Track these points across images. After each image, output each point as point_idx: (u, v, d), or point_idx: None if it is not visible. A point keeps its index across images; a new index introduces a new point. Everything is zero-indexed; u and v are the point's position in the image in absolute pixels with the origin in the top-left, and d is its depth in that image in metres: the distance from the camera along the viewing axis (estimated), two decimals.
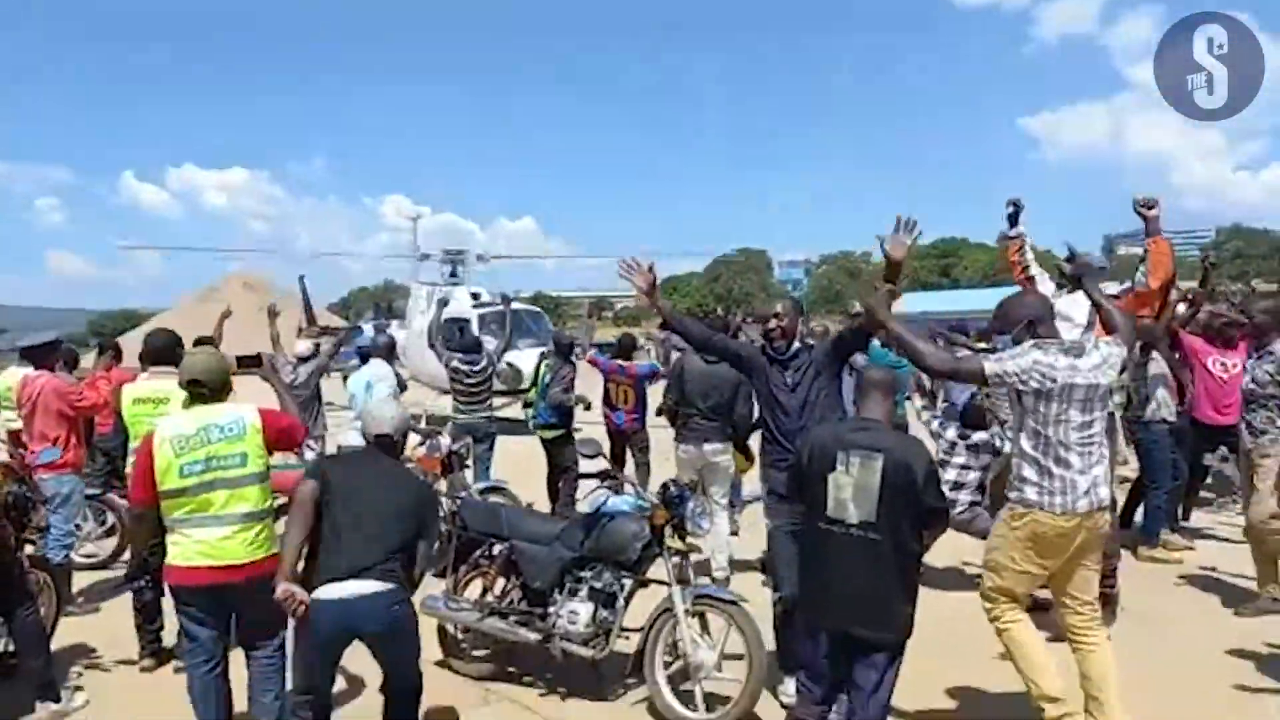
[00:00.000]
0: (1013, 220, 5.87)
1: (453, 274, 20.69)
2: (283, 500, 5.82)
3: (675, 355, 8.27)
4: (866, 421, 3.55)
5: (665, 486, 4.45)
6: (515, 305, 16.12)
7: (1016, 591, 3.77)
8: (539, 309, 21.13)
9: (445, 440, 7.13)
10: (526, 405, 9.99)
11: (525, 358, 14.22)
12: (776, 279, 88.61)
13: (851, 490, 3.35)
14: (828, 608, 3.45)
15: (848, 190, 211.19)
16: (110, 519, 6.83)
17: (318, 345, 8.44)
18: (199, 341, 6.99)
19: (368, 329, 19.51)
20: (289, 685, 3.72)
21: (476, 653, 4.83)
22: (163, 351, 5.10)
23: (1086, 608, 3.77)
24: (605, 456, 5.15)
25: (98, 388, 5.74)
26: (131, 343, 7.10)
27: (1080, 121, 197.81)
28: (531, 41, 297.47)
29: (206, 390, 3.83)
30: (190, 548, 3.67)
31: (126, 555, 6.98)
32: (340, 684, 4.36)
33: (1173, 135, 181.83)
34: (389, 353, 8.51)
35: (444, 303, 17.84)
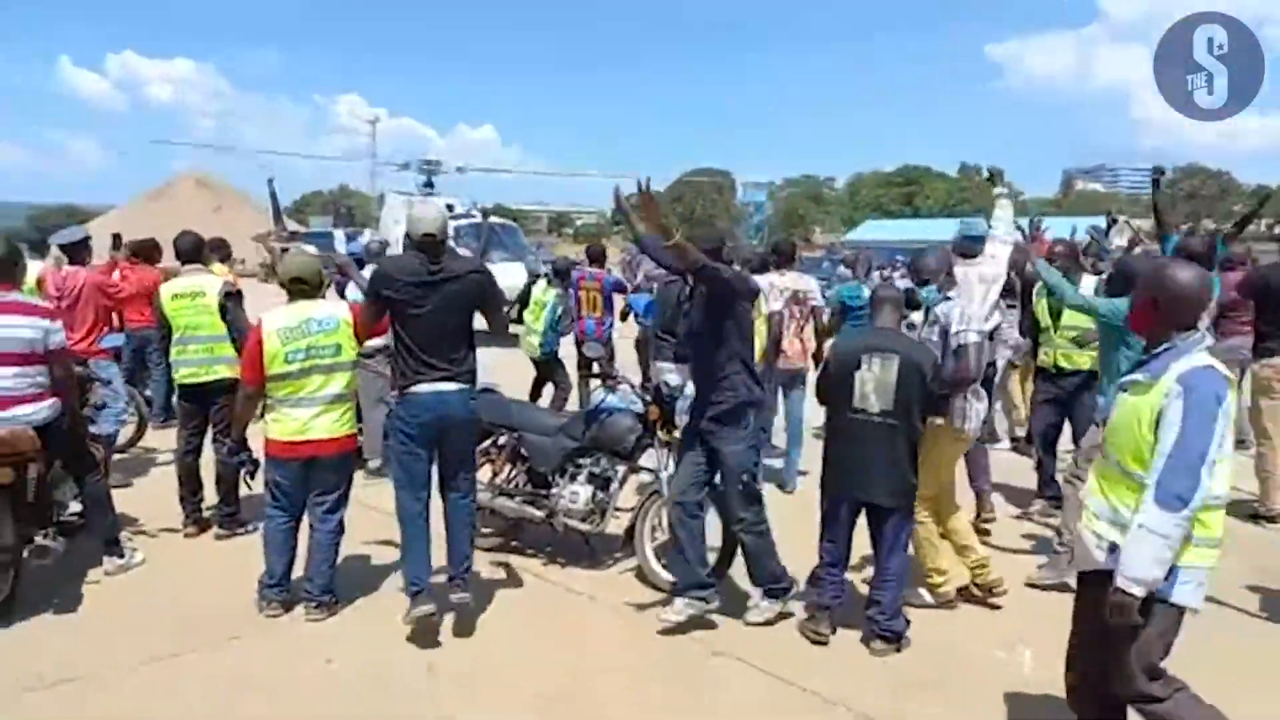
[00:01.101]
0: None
1: (428, 184, 20.81)
2: None
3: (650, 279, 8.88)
4: (883, 330, 4.33)
5: (658, 387, 5.11)
6: (479, 219, 16.51)
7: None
8: (514, 223, 21.47)
9: None
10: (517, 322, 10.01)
11: (500, 271, 14.66)
12: (739, 200, 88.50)
13: (874, 385, 4.13)
14: (855, 482, 4.23)
15: (811, 114, 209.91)
16: (131, 407, 7.36)
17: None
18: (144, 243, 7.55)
19: (348, 238, 19.72)
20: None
21: (485, 530, 5.51)
22: (192, 252, 5.72)
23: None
24: (605, 361, 5.86)
25: (129, 279, 6.27)
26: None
27: (1047, 51, 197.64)
28: None
29: (308, 287, 4.51)
30: (289, 425, 4.41)
31: (143, 440, 7.60)
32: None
33: (1135, 69, 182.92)
34: (381, 258, 8.96)
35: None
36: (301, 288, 4.50)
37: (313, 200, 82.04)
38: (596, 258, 9.05)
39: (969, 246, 5.62)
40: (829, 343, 6.23)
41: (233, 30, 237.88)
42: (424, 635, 4.20)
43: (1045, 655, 4.06)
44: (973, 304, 4.80)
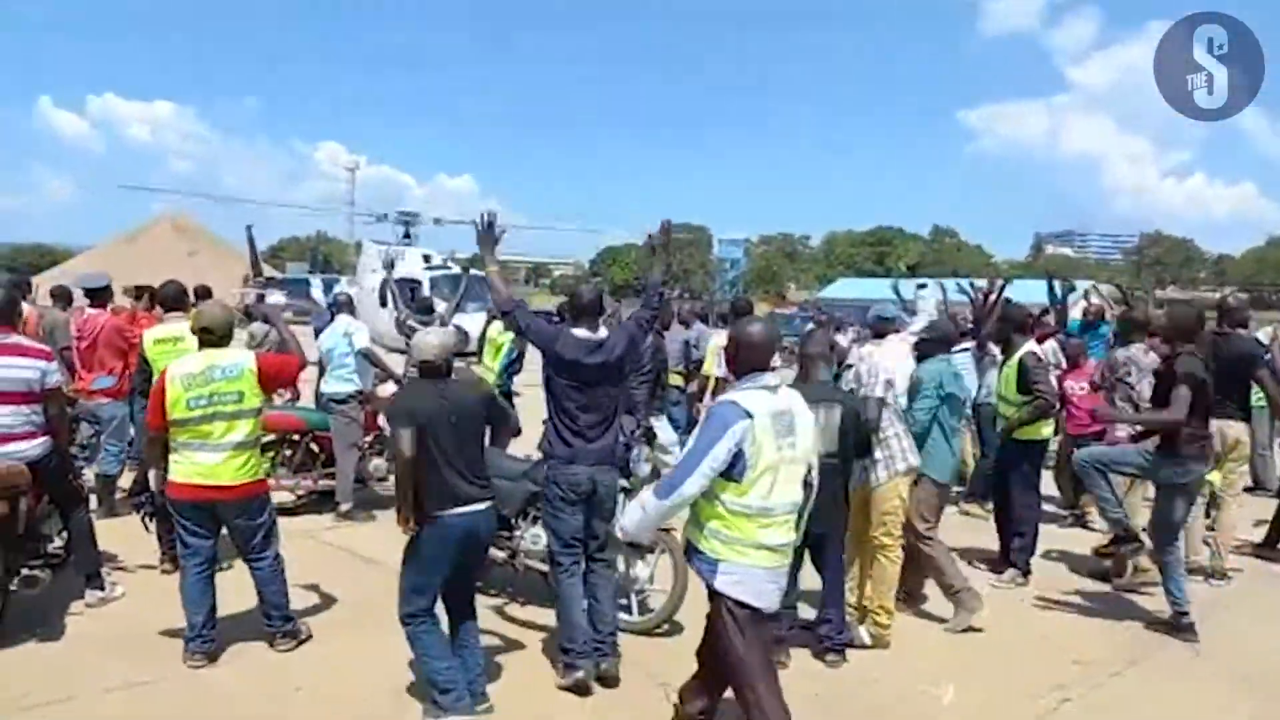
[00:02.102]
0: None
1: (406, 235, 21.28)
2: (270, 437, 6.74)
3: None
4: (824, 384, 4.89)
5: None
6: (457, 270, 16.97)
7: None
8: (467, 268, 21.90)
9: None
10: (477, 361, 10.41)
11: (472, 321, 15.07)
12: (716, 255, 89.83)
13: (821, 431, 4.48)
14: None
15: (788, 174, 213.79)
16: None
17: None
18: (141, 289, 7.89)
19: (326, 286, 20.01)
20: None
21: None
22: (176, 299, 6.08)
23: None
24: None
25: (145, 326, 6.69)
26: (51, 281, 7.83)
27: (1018, 118, 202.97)
28: (470, 6, 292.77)
29: (214, 336, 4.64)
30: (189, 468, 4.48)
31: (121, 480, 7.82)
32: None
33: (1105, 138, 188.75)
34: (350, 309, 9.33)
35: (391, 264, 18.58)
36: (208, 337, 4.60)
37: (289, 246, 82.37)
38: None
39: (881, 326, 6.12)
40: None
41: (214, 75, 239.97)
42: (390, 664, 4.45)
43: (971, 689, 4.47)
44: (876, 378, 5.23)
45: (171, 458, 4.53)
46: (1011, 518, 6.41)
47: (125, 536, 6.22)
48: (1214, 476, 6.15)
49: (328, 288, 21.42)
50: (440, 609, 4.18)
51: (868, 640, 5.03)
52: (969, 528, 7.31)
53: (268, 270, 31.45)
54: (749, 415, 3.31)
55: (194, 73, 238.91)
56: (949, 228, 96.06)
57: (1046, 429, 6.65)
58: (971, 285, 8.50)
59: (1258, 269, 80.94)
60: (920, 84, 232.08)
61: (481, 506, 4.10)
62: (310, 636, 4.81)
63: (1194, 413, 5.22)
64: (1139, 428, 5.83)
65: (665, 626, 5.09)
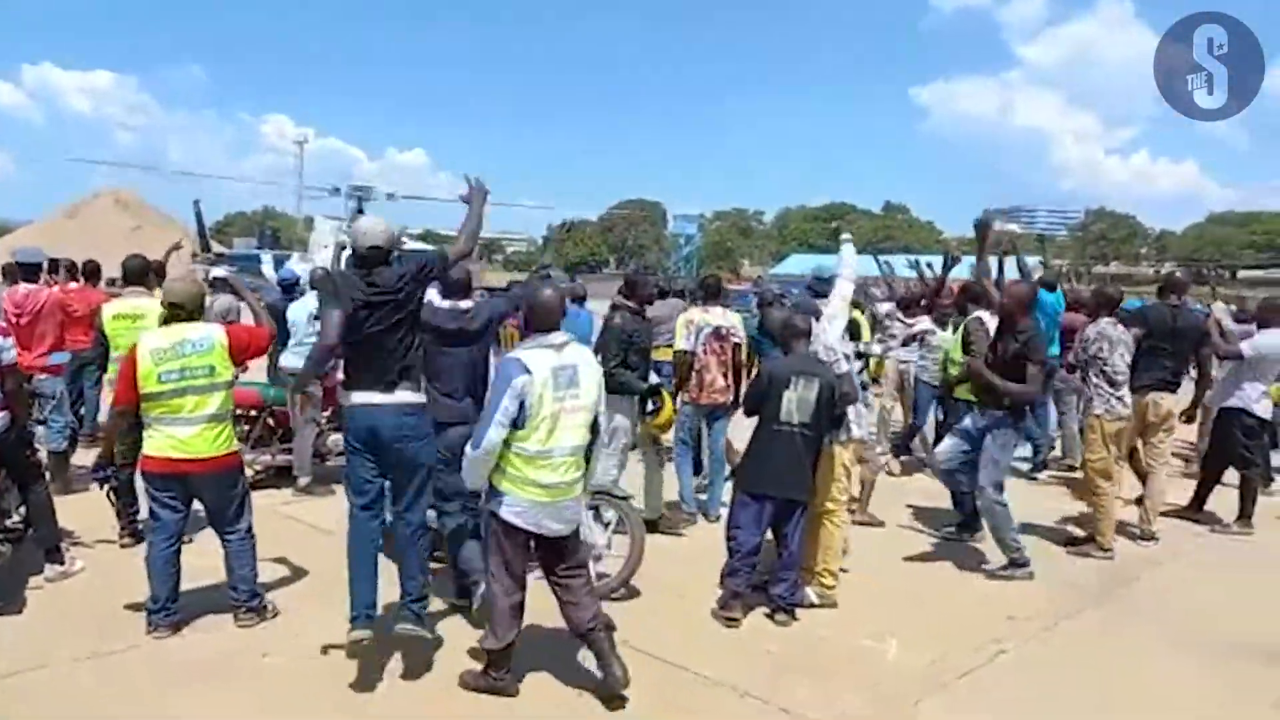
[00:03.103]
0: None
1: (359, 209, 21.10)
2: (239, 412, 6.75)
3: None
4: (805, 357, 5.14)
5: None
6: (412, 246, 16.90)
7: None
8: (437, 250, 21.85)
9: None
10: None
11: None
12: (670, 231, 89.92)
13: (798, 402, 4.94)
14: (776, 482, 4.99)
15: (742, 150, 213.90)
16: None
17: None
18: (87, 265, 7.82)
19: (277, 261, 19.76)
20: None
21: None
22: (138, 274, 6.06)
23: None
24: None
25: (76, 300, 6.61)
26: None
27: (969, 95, 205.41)
28: None
29: (183, 311, 4.67)
30: (162, 441, 4.51)
31: (74, 458, 7.79)
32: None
33: (1053, 115, 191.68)
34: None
35: (342, 244, 18.40)
36: (177, 312, 4.64)
37: (236, 221, 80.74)
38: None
39: (821, 287, 6.35)
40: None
41: (157, 45, 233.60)
42: None
43: (913, 644, 4.71)
44: (829, 336, 5.42)
45: (145, 432, 4.57)
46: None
47: (82, 512, 6.22)
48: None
49: (279, 264, 21.20)
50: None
51: (816, 600, 5.25)
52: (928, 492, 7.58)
53: (217, 248, 30.85)
54: (529, 371, 3.82)
55: (135, 41, 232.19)
56: (900, 204, 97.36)
57: None
58: (927, 265, 8.80)
59: (1197, 245, 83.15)
60: (873, 61, 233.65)
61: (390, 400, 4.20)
62: (277, 614, 4.87)
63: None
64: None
65: (622, 591, 5.26)
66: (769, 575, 5.19)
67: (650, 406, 6.28)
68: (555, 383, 3.87)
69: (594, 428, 4.09)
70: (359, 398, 4.23)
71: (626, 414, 6.24)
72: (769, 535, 5.18)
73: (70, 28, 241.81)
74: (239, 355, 4.73)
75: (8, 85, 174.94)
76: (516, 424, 3.84)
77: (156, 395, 4.47)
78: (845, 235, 6.37)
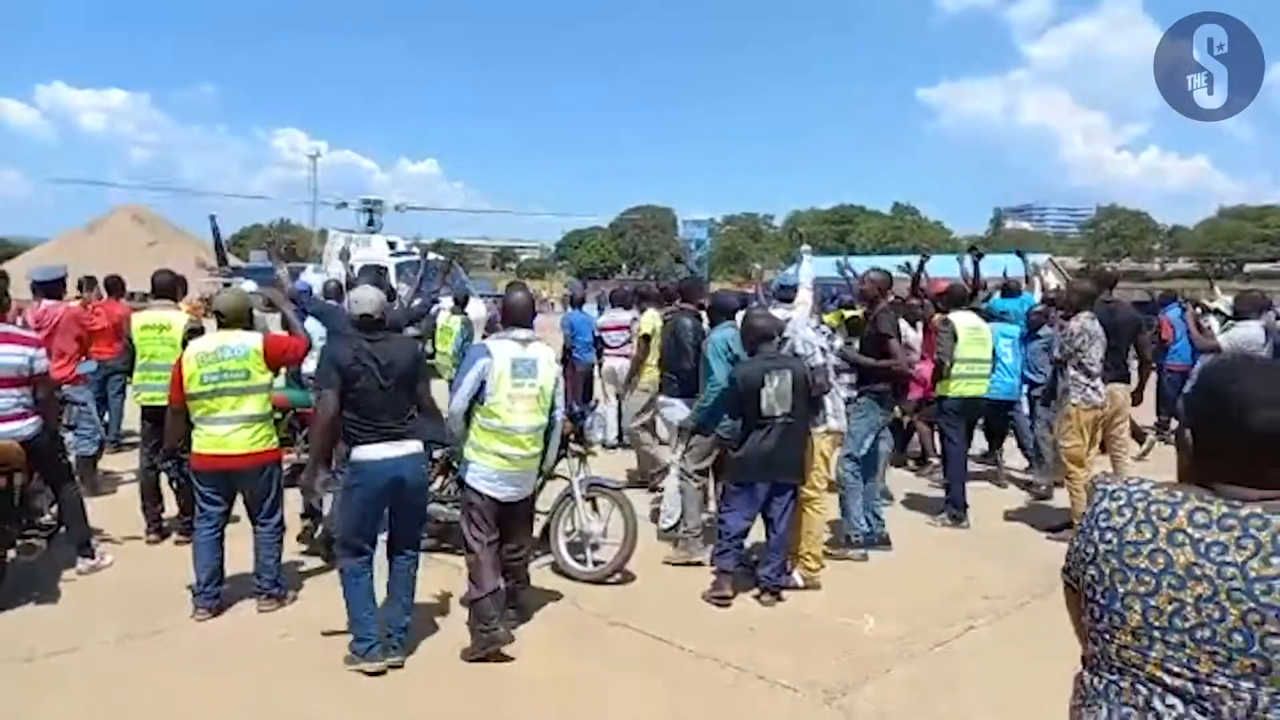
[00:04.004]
0: None
1: (370, 222, 21.49)
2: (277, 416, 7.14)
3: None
4: (773, 353, 5.43)
5: (570, 405, 5.93)
6: (430, 256, 17.31)
7: None
8: (451, 260, 22.21)
9: None
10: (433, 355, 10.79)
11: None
12: (680, 237, 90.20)
13: (776, 396, 5.24)
14: (766, 469, 5.29)
15: (751, 154, 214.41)
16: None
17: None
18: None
19: (292, 274, 20.15)
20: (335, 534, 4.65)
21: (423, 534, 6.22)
22: (166, 288, 6.40)
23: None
24: None
25: (100, 313, 6.98)
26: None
27: (976, 95, 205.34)
28: None
29: (226, 320, 5.14)
30: (206, 440, 4.94)
31: (101, 462, 8.17)
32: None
33: (1061, 113, 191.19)
34: (339, 295, 9.71)
35: (346, 253, 18.85)
36: (221, 319, 5.15)
37: (252, 234, 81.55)
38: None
39: (786, 293, 6.80)
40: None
41: (168, 62, 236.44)
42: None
43: (889, 620, 5.01)
44: (805, 331, 5.76)
45: (193, 432, 4.99)
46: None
47: (110, 511, 6.60)
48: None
49: (294, 275, 21.63)
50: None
51: (800, 583, 5.55)
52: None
53: (233, 260, 31.39)
54: (489, 355, 4.60)
55: (146, 59, 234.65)
56: (909, 205, 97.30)
57: (968, 387, 7.20)
58: (907, 266, 9.09)
59: (1209, 239, 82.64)
60: (881, 63, 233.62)
61: (406, 448, 4.38)
62: (293, 600, 5.21)
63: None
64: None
65: (617, 576, 5.57)
66: (758, 558, 5.50)
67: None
68: (514, 370, 4.61)
69: (551, 414, 4.78)
70: (375, 451, 4.32)
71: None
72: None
73: (81, 46, 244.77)
74: (275, 361, 5.15)
75: (21, 105, 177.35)
76: (479, 399, 4.56)
77: (197, 395, 4.91)
78: (805, 247, 6.79)
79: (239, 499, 5.16)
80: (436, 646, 4.68)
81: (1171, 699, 1.46)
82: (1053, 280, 14.17)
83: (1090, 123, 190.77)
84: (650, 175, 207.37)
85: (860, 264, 9.71)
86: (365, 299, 4.59)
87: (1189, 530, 1.48)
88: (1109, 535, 1.55)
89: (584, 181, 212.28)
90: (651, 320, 8.35)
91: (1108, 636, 1.55)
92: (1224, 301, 9.49)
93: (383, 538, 4.59)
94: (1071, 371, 6.68)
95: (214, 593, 5.01)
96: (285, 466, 7.73)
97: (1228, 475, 1.51)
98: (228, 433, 4.92)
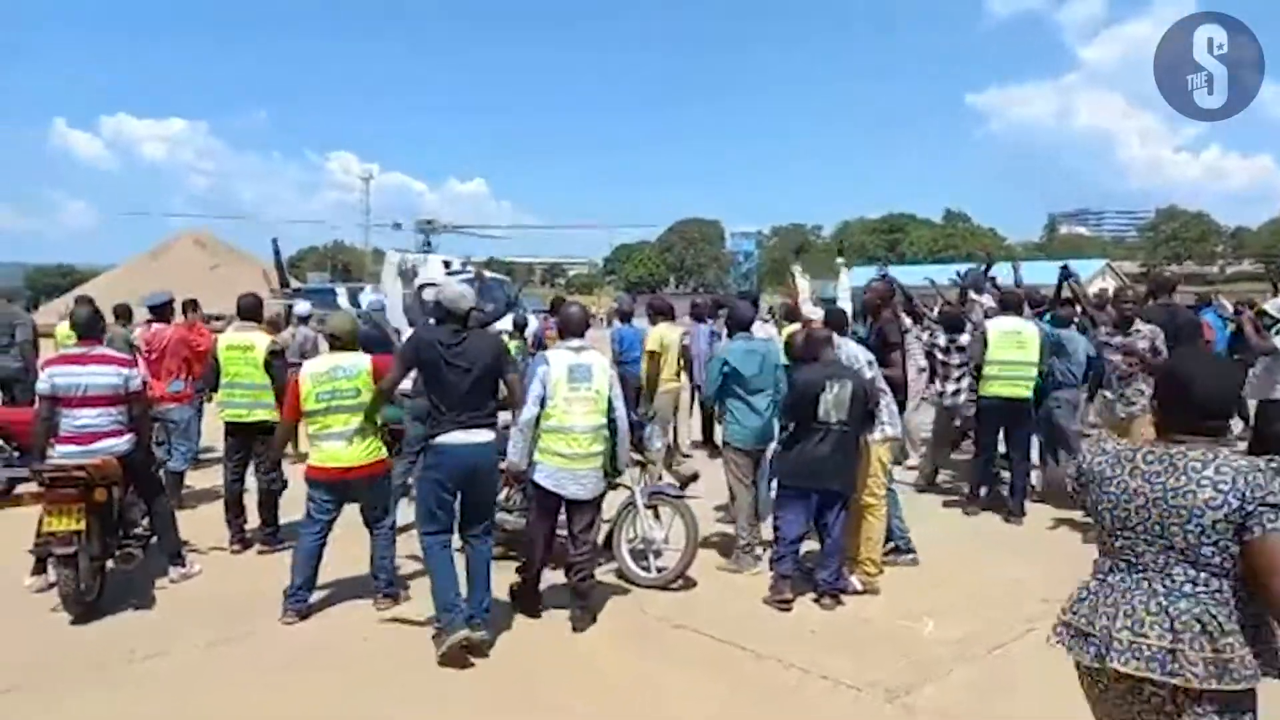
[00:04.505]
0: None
1: (426, 243, 21.96)
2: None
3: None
4: (834, 362, 5.60)
5: (628, 416, 6.12)
6: (485, 274, 17.68)
7: None
8: (506, 277, 22.64)
9: None
10: None
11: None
12: (728, 250, 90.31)
13: (834, 403, 5.40)
14: (818, 476, 5.44)
15: (799, 165, 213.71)
16: None
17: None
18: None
19: (350, 294, 20.71)
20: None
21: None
22: (251, 310, 6.79)
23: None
24: None
25: (205, 335, 7.49)
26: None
27: (1027, 99, 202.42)
28: (477, 6, 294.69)
29: (340, 342, 5.46)
30: (323, 454, 5.26)
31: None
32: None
33: (1116, 115, 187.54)
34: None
35: (413, 273, 19.28)
36: (336, 341, 5.48)
37: (309, 256, 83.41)
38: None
39: (826, 307, 7.13)
40: None
41: (223, 90, 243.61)
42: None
43: (949, 623, 5.10)
44: (849, 346, 5.95)
45: (310, 446, 5.35)
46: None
47: (192, 524, 6.93)
48: None
49: (352, 296, 22.20)
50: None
51: (859, 587, 5.66)
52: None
53: (294, 283, 32.18)
54: (548, 364, 5.10)
55: (203, 87, 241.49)
56: (961, 212, 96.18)
57: (1002, 388, 7.39)
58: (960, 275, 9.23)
59: (1275, 240, 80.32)
60: (929, 69, 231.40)
61: (480, 436, 4.81)
62: (408, 599, 5.50)
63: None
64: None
65: (679, 582, 5.74)
66: (814, 564, 5.63)
67: None
68: (570, 376, 5.08)
69: (611, 415, 5.23)
70: (453, 438, 4.76)
71: None
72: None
73: (143, 77, 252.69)
74: (380, 379, 5.37)
75: (85, 135, 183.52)
76: (543, 403, 5.02)
77: (313, 412, 5.25)
78: (840, 260, 7.04)
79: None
80: (510, 645, 4.89)
81: (1122, 567, 2.39)
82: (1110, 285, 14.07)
83: (1147, 124, 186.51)
84: (697, 188, 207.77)
85: (909, 273, 9.83)
86: (452, 295, 4.96)
87: (1141, 466, 2.37)
88: (1095, 474, 2.48)
89: (631, 196, 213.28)
90: (658, 336, 8.62)
91: (1097, 536, 2.50)
92: (1274, 304, 9.40)
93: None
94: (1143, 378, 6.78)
95: (304, 597, 5.29)
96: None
97: (1180, 429, 2.38)
98: (343, 446, 5.24)
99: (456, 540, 5.02)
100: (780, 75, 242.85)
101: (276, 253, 27.19)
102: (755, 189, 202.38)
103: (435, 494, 4.84)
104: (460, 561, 4.98)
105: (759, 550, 6.16)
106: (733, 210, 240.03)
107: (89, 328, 5.65)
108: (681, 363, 9.25)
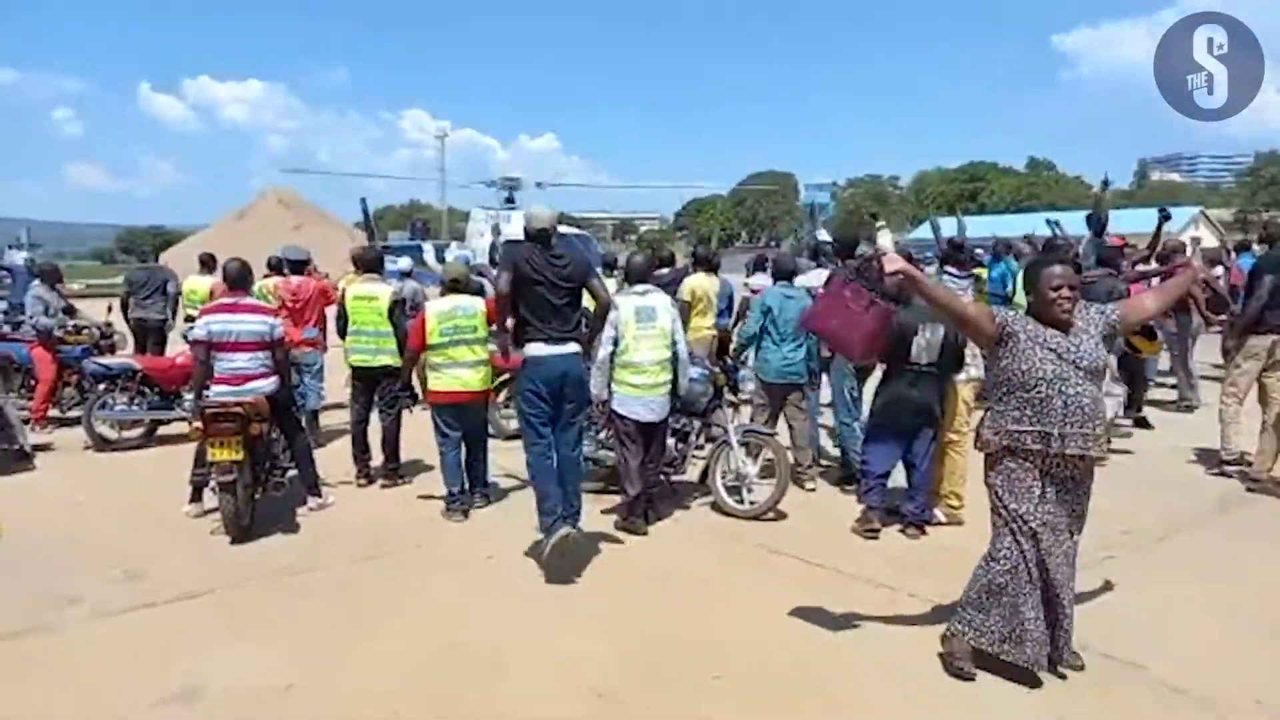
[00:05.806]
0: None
1: (509, 199, 22.55)
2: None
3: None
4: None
5: (723, 359, 6.55)
6: (565, 229, 18.21)
7: None
8: (587, 233, 23.14)
9: None
10: None
11: None
12: (801, 202, 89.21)
13: (926, 346, 5.73)
14: (905, 412, 5.80)
15: (876, 113, 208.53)
16: None
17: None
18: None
19: (436, 250, 21.48)
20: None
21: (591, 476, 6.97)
22: (374, 263, 7.43)
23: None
24: None
25: (334, 288, 8.48)
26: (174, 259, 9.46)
27: (1118, 40, 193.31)
28: None
29: (458, 284, 6.36)
30: (445, 380, 6.22)
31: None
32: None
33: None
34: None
35: (497, 229, 19.95)
36: (455, 285, 6.42)
37: (386, 214, 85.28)
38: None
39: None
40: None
41: (300, 50, 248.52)
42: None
43: None
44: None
45: (431, 375, 6.27)
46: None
47: (323, 461, 7.59)
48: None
49: (438, 253, 23.00)
50: None
51: (943, 519, 6.02)
52: None
53: (382, 240, 33.33)
54: (617, 309, 5.84)
55: (280, 47, 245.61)
56: (1046, 160, 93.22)
57: None
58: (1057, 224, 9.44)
59: None
60: (1012, 10, 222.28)
61: (568, 349, 5.28)
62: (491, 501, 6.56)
63: None
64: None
65: (771, 514, 6.17)
66: (901, 498, 5.99)
67: None
68: (637, 316, 5.94)
69: (674, 348, 6.00)
70: (543, 350, 5.23)
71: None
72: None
73: (223, 38, 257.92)
74: (492, 319, 6.09)
75: (169, 99, 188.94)
76: (616, 343, 5.88)
77: (438, 345, 6.20)
78: (880, 223, 7.34)
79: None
80: (613, 566, 5.41)
81: (1039, 410, 3.67)
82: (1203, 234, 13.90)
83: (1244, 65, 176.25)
84: (771, 141, 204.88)
85: (988, 223, 9.97)
86: (540, 215, 5.41)
87: (1045, 340, 3.70)
88: (1011, 339, 3.73)
89: (704, 151, 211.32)
90: (690, 285, 9.03)
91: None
92: None
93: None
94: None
95: (463, 500, 6.37)
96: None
97: (1037, 312, 3.78)
98: (468, 374, 6.22)
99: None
100: (856, 25, 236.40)
101: (365, 210, 28.17)
102: (830, 141, 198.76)
103: (532, 404, 5.27)
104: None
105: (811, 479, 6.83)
106: (806, 163, 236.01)
107: (240, 280, 6.30)
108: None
